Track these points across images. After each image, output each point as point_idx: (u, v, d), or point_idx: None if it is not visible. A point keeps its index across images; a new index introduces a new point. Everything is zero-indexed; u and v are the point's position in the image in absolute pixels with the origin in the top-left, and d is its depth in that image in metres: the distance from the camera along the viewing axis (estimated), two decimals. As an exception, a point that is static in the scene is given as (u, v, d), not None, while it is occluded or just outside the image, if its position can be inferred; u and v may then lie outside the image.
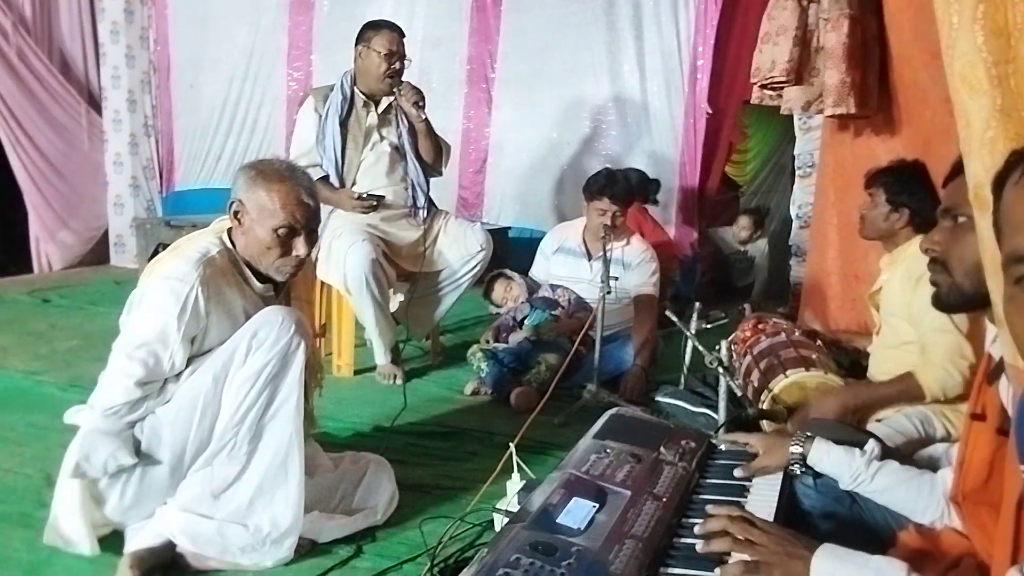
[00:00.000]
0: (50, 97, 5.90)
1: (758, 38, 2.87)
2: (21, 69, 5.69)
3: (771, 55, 2.76)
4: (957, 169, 1.31)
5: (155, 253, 2.02)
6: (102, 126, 6.18)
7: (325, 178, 3.29)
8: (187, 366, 1.83)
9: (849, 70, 2.63)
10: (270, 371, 1.79)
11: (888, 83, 2.87)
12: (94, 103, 6.21)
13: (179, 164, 6.54)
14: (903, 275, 2.28)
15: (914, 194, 2.34)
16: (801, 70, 2.77)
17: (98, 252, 6.27)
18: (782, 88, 2.90)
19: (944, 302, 1.35)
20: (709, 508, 1.33)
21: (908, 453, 1.93)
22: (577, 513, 1.38)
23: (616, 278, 2.97)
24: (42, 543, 1.85)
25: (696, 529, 1.29)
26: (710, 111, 5.09)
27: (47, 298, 4.86)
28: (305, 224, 1.88)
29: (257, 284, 1.93)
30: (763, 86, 2.92)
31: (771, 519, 1.45)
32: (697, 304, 2.99)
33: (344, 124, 3.29)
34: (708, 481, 1.64)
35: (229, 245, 1.91)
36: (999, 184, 0.96)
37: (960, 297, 1.30)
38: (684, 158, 5.18)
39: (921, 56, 2.61)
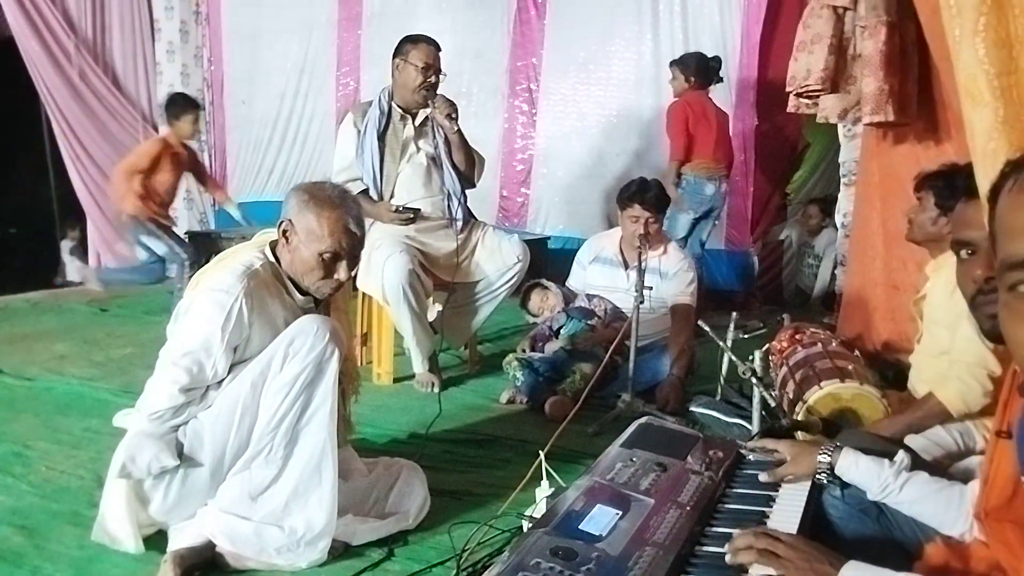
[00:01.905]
0: (109, 115, 6.14)
1: (794, 46, 2.85)
2: (82, 89, 5.94)
3: (806, 63, 2.74)
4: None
5: (204, 264, 2.10)
6: (158, 142, 6.39)
7: (365, 191, 3.37)
8: (228, 373, 1.89)
9: (887, 77, 2.59)
10: (305, 378, 1.84)
11: (930, 89, 2.82)
12: (150, 120, 6.43)
13: (232, 177, 6.73)
14: (946, 282, 2.23)
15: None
16: (837, 78, 2.75)
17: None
18: (818, 96, 2.88)
19: None
20: (735, 534, 1.30)
21: (946, 466, 1.90)
22: (600, 520, 1.39)
23: (651, 288, 2.97)
24: (91, 541, 1.94)
25: (727, 556, 1.27)
26: (756, 121, 5.06)
27: (104, 307, 5.05)
28: (349, 251, 1.95)
29: (298, 296, 1.99)
30: (799, 95, 2.90)
31: (796, 528, 1.45)
32: (734, 314, 2.98)
33: (382, 138, 3.36)
34: (734, 490, 1.63)
35: (272, 259, 1.98)
36: (995, 193, 0.96)
37: None
38: (736, 167, 5.16)
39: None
